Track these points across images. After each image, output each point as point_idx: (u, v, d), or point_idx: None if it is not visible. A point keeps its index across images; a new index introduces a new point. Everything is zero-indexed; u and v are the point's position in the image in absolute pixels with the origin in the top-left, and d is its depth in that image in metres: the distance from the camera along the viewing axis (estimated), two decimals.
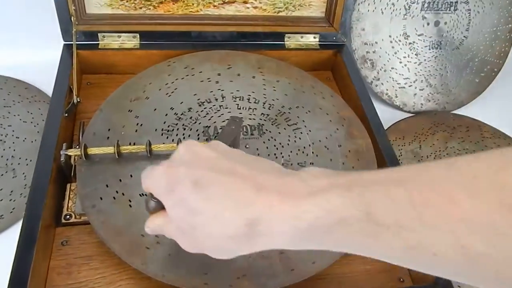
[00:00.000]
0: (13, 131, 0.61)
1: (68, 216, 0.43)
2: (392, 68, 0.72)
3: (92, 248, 0.41)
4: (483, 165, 0.21)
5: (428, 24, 0.71)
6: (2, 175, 0.56)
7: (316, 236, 0.24)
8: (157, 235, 0.39)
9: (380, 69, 0.71)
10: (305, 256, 0.38)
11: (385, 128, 0.67)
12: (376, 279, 0.42)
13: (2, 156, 0.58)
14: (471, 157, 0.22)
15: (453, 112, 0.74)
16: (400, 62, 0.72)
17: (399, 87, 0.72)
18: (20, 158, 0.58)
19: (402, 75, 0.72)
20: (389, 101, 0.73)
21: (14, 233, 0.51)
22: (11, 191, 0.55)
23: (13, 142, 0.60)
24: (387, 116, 0.70)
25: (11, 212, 0.53)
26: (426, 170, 0.22)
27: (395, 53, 0.71)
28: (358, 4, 0.66)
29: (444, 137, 0.68)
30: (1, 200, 0.54)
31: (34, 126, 0.62)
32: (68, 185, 0.45)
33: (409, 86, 0.72)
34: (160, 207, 0.29)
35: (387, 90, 0.72)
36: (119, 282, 0.40)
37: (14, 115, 0.63)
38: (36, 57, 0.68)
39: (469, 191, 0.20)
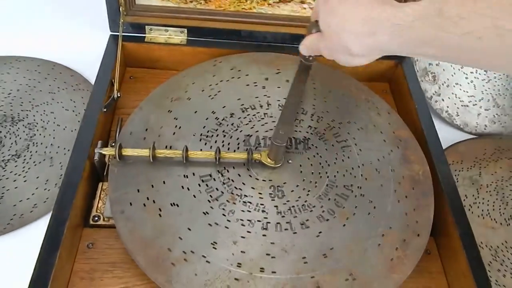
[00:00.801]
0: (54, 118, 0.61)
1: (96, 218, 0.41)
2: (456, 83, 0.65)
3: (118, 255, 0.39)
4: None
5: None
6: (40, 162, 0.56)
7: (407, 31, 0.30)
8: (184, 251, 0.36)
9: (442, 84, 0.65)
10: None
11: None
12: None
13: (42, 143, 0.58)
14: None
15: None
16: (466, 78, 0.65)
17: (462, 105, 0.65)
18: (58, 147, 0.58)
19: (467, 92, 0.65)
20: (449, 119, 0.66)
21: (45, 223, 0.51)
22: (47, 180, 0.54)
23: (54, 130, 0.60)
24: (444, 136, 0.63)
25: (45, 202, 0.52)
26: None
27: (462, 67, 0.64)
28: None
29: (509, 165, 0.61)
30: (37, 188, 0.53)
31: (76, 115, 0.61)
32: (100, 184, 0.43)
33: (474, 104, 0.65)
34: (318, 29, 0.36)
35: (447, 107, 0.66)
36: None
37: (58, 102, 0.63)
38: (85, 45, 0.67)
39: None
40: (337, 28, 0.33)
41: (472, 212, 0.55)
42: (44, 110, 0.62)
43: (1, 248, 0.49)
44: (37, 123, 0.60)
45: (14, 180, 0.54)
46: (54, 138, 0.59)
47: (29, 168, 0.55)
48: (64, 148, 0.58)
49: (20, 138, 0.58)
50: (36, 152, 0.57)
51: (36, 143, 0.58)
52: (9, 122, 0.60)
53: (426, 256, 0.41)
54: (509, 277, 0.49)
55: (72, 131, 0.60)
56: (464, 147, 0.63)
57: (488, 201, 0.56)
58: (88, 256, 0.39)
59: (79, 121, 0.61)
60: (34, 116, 0.61)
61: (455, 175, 0.59)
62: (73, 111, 0.62)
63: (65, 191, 0.39)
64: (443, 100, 0.65)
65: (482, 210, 0.55)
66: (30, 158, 0.56)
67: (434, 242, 0.43)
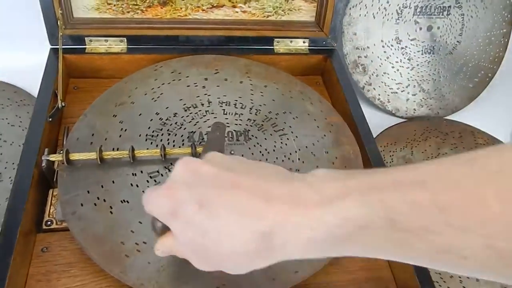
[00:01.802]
0: (1, 134, 0.61)
1: (49, 222, 0.42)
2: (384, 73, 0.71)
3: (73, 255, 0.41)
4: (506, 158, 0.20)
5: (420, 28, 0.71)
6: None
7: (336, 245, 0.23)
8: (137, 243, 0.38)
9: (372, 74, 0.71)
10: (287, 265, 0.37)
11: (377, 133, 0.67)
12: None
13: None
14: (492, 151, 0.21)
15: (446, 117, 0.74)
16: (393, 67, 0.71)
17: (392, 92, 0.72)
18: (7, 162, 0.58)
19: (395, 80, 0.71)
20: (381, 106, 0.72)
21: None
22: None
23: (1, 146, 0.60)
24: (379, 122, 0.70)
25: None
26: (446, 168, 0.21)
27: (387, 57, 0.71)
28: (350, 9, 0.66)
29: (437, 143, 0.67)
30: None
31: (22, 130, 0.61)
32: (51, 191, 0.44)
33: (402, 91, 0.72)
34: (167, 227, 0.28)
35: (379, 95, 0.72)
36: None
37: (3, 119, 0.62)
38: (25, 60, 0.67)
39: (496, 189, 0.19)
40: (214, 253, 0.25)
41: None
42: None
43: None
44: None
45: None
46: (1, 154, 0.59)
47: None
48: (13, 163, 0.58)
49: None
50: None
51: None
52: None
53: None
54: None
55: (19, 146, 0.60)
56: (396, 130, 0.69)
57: None
58: (43, 259, 0.40)
59: None
60: None
61: (390, 156, 0.65)
62: (19, 126, 0.62)
63: (15, 198, 0.40)
64: (374, 89, 0.71)
65: None
66: None
67: None
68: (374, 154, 0.48)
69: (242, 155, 0.46)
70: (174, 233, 0.27)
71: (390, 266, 0.43)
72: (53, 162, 0.45)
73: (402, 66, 0.71)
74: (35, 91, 0.66)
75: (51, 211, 0.43)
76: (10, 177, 0.56)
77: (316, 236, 0.23)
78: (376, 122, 0.68)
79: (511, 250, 0.19)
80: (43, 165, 0.42)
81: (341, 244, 0.23)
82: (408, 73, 0.72)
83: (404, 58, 0.71)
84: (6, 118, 0.63)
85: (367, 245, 0.22)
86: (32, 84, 0.67)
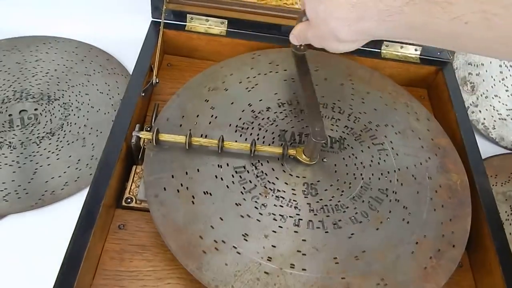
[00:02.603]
0: (89, 100, 0.62)
1: (129, 200, 0.42)
2: (495, 95, 0.63)
3: (148, 238, 0.40)
4: None
5: None
6: (73, 142, 0.57)
7: (393, 17, 0.30)
8: (216, 241, 0.36)
9: (481, 95, 0.63)
10: None
11: None
12: None
13: (75, 124, 0.59)
14: None
15: None
16: (507, 90, 0.63)
17: (499, 118, 0.64)
18: (91, 128, 0.59)
19: (506, 105, 0.63)
20: (484, 132, 0.64)
21: (75, 202, 0.52)
22: (79, 160, 0.55)
23: (88, 111, 0.61)
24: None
25: (75, 180, 0.53)
26: None
27: (503, 79, 0.63)
28: None
29: None
30: (68, 167, 0.54)
31: (110, 98, 0.62)
32: (134, 167, 0.44)
33: None
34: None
35: (484, 119, 0.64)
36: (168, 279, 0.38)
37: (93, 85, 0.63)
38: (122, 30, 0.68)
39: None
40: (324, 15, 0.33)
41: (505, 229, 0.53)
42: (79, 91, 0.63)
43: (31, 223, 0.50)
44: (72, 104, 0.61)
45: (48, 157, 0.55)
46: (87, 119, 0.60)
47: (62, 147, 0.56)
48: (97, 130, 0.59)
49: (55, 117, 0.59)
50: (69, 131, 0.58)
51: (70, 123, 0.59)
52: (45, 101, 0.61)
53: (457, 269, 0.40)
54: None
55: (105, 113, 0.60)
56: (498, 162, 0.61)
57: None
58: (119, 236, 0.39)
59: (112, 105, 0.61)
60: (69, 96, 0.62)
61: None
62: (107, 94, 0.63)
63: (102, 170, 0.39)
64: (480, 111, 0.64)
65: None
66: (63, 137, 0.57)
67: (466, 255, 0.42)
68: (484, 188, 0.42)
69: (335, 165, 0.42)
70: (306, 5, 0.35)
71: None
72: (140, 138, 0.44)
73: None
74: (126, 62, 0.67)
75: (132, 188, 0.42)
76: (92, 144, 0.57)
77: (385, 7, 0.30)
78: None
79: (495, 12, 0.26)
80: (132, 141, 0.42)
81: (395, 16, 0.29)
82: None
83: None
84: (96, 84, 0.64)
85: (411, 16, 0.29)
86: (125, 54, 0.68)
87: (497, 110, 0.64)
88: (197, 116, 0.44)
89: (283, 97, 0.47)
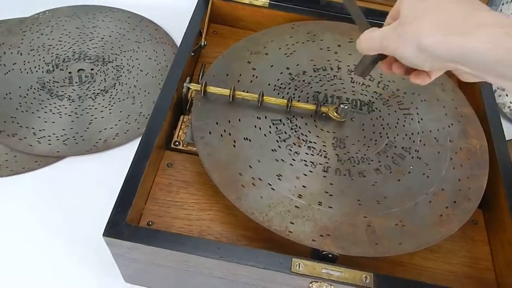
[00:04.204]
0: (139, 64, 0.68)
1: (177, 143, 0.47)
2: None
3: (192, 176, 0.45)
4: None
5: None
6: (124, 100, 0.63)
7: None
8: (253, 177, 0.41)
9: None
10: (393, 235, 0.38)
11: None
12: (460, 283, 0.39)
13: (126, 84, 0.65)
14: None
15: None
16: None
17: None
18: (140, 89, 0.65)
19: None
20: (510, 115, 0.66)
21: (125, 150, 0.58)
22: (128, 115, 0.61)
23: (137, 74, 0.67)
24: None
25: (125, 132, 0.59)
26: None
27: None
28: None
29: None
30: (119, 120, 0.61)
31: (157, 64, 0.68)
32: (181, 117, 0.49)
33: None
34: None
35: (510, 103, 0.66)
36: (209, 211, 0.43)
37: (142, 51, 0.70)
38: (172, 3, 0.74)
39: None
40: (423, 13, 0.28)
41: None
42: (131, 56, 0.69)
43: (86, 165, 0.56)
44: (123, 66, 0.67)
45: (101, 111, 0.61)
46: (137, 81, 0.66)
47: (114, 103, 0.63)
48: (145, 91, 0.64)
49: (109, 77, 0.66)
50: (121, 90, 0.64)
51: (122, 83, 0.65)
52: (100, 62, 0.68)
53: (472, 226, 0.44)
54: None
55: (152, 77, 0.66)
56: None
57: None
58: (167, 173, 0.45)
59: (159, 70, 0.67)
60: (121, 60, 0.68)
61: None
62: (155, 60, 0.69)
63: (156, 114, 0.44)
64: (506, 95, 0.66)
65: None
66: (116, 95, 0.64)
67: (482, 214, 0.45)
68: (503, 153, 0.45)
69: (363, 124, 0.46)
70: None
71: (495, 270, 0.41)
72: (188, 91, 0.49)
73: None
74: (173, 32, 0.73)
75: (179, 133, 0.48)
76: (141, 102, 0.63)
77: (504, 27, 0.26)
78: None
79: None
80: (183, 90, 0.47)
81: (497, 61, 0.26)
82: None
83: None
84: (145, 51, 0.70)
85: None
86: (173, 25, 0.73)
87: None
88: (240, 75, 0.49)
89: (318, 64, 0.51)
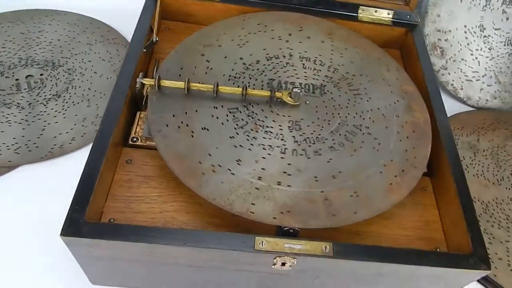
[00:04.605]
0: (92, 66, 0.67)
1: (134, 139, 0.47)
2: (462, 59, 0.70)
3: (153, 170, 0.45)
4: None
5: (507, 19, 0.69)
6: (78, 103, 0.62)
7: None
8: (213, 165, 0.42)
9: (450, 59, 0.70)
10: (348, 206, 0.40)
11: None
12: (413, 245, 0.42)
13: (80, 87, 0.64)
14: None
15: None
16: (472, 54, 0.70)
17: (466, 80, 0.71)
18: (95, 91, 0.64)
19: (471, 67, 0.70)
20: (453, 92, 0.71)
21: (84, 153, 0.57)
22: (84, 118, 0.61)
23: (91, 76, 0.66)
24: (448, 108, 0.68)
25: (82, 136, 0.59)
26: None
27: (468, 44, 0.69)
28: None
29: (505, 135, 0.66)
30: (75, 124, 0.60)
31: (112, 65, 0.67)
32: (138, 113, 0.49)
33: (477, 80, 0.70)
34: None
35: (453, 81, 0.71)
36: (172, 202, 0.43)
37: (95, 53, 0.69)
38: (122, 3, 0.73)
39: None
40: None
41: (468, 172, 0.60)
42: (83, 59, 0.68)
43: (43, 172, 0.55)
44: (76, 69, 0.66)
45: (55, 116, 0.60)
46: (91, 83, 0.65)
47: (68, 107, 0.62)
48: (100, 93, 0.64)
49: (60, 81, 0.64)
50: (74, 93, 0.63)
51: (75, 86, 0.64)
52: (50, 67, 0.66)
53: (422, 193, 0.47)
54: (497, 228, 0.55)
55: (107, 78, 0.66)
56: (465, 117, 0.68)
57: (483, 163, 0.61)
58: (127, 169, 0.45)
59: (114, 71, 0.67)
60: (73, 63, 0.67)
61: (456, 139, 0.64)
62: (109, 61, 0.68)
63: (110, 111, 0.44)
64: (449, 74, 0.71)
65: (477, 171, 0.60)
66: (69, 99, 0.63)
67: (430, 182, 0.48)
68: (443, 125, 0.48)
69: (316, 106, 0.48)
70: None
71: (444, 229, 0.44)
72: (143, 87, 0.49)
73: (482, 55, 0.70)
74: (125, 32, 0.72)
75: (137, 130, 0.48)
76: (96, 104, 0.62)
77: None
78: (446, 107, 0.67)
79: None
80: (137, 86, 0.47)
81: None
82: (487, 62, 0.70)
83: (485, 47, 0.70)
84: (98, 53, 0.69)
85: None
86: (125, 25, 0.73)
87: (464, 73, 0.70)
88: (194, 67, 0.50)
89: (271, 52, 0.53)
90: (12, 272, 0.46)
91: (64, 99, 0.63)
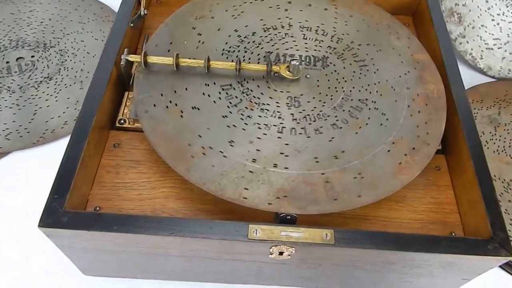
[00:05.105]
0: (85, 46, 0.64)
1: (122, 121, 0.44)
2: (482, 25, 0.64)
3: (142, 155, 0.42)
4: None
5: None
6: (70, 85, 0.59)
7: None
8: (203, 147, 0.38)
9: (468, 26, 0.64)
10: (352, 189, 0.36)
11: None
12: (426, 229, 0.38)
13: (72, 68, 0.61)
14: None
15: None
16: (493, 20, 0.64)
17: (486, 48, 0.65)
18: (88, 72, 0.61)
19: (493, 34, 0.64)
20: (472, 62, 0.65)
21: None
22: (77, 101, 0.58)
23: (84, 57, 0.63)
24: (467, 79, 0.63)
25: (75, 120, 0.56)
26: None
27: (489, 8, 0.63)
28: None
29: None
30: (67, 107, 0.57)
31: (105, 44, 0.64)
32: (126, 93, 0.46)
33: (498, 48, 0.64)
34: None
35: (471, 49, 0.65)
36: (162, 188, 0.40)
37: (88, 32, 0.65)
38: None
39: None
40: None
41: (488, 148, 0.55)
42: (75, 38, 0.64)
43: (35, 159, 0.53)
44: (68, 50, 0.63)
45: (46, 100, 0.58)
46: (84, 64, 0.62)
47: (60, 90, 0.59)
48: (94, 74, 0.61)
49: (52, 63, 0.62)
50: (67, 75, 0.60)
51: (67, 67, 0.61)
52: (41, 48, 0.63)
53: (435, 172, 0.42)
54: None
55: None
56: (485, 88, 0.63)
57: (505, 138, 0.56)
58: (114, 153, 0.42)
59: None
60: (65, 43, 0.64)
61: (475, 113, 0.59)
62: (102, 41, 0.65)
63: (92, 91, 0.41)
64: (467, 42, 0.65)
65: (498, 147, 0.55)
66: (61, 81, 0.60)
67: (445, 160, 0.44)
68: (461, 97, 0.43)
69: (318, 80, 0.44)
70: None
71: (460, 212, 0.40)
72: (131, 65, 0.46)
73: (504, 20, 0.64)
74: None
75: (125, 111, 0.45)
76: None
77: None
78: (464, 79, 0.62)
79: None
80: (121, 63, 0.43)
81: None
82: (510, 28, 0.64)
83: (508, 11, 0.63)
84: (91, 32, 0.65)
85: None
86: (118, 1, 0.69)
87: (484, 40, 0.64)
88: (185, 41, 0.46)
89: (268, 23, 0.49)
90: (3, 260, 0.44)
91: (56, 82, 0.60)
